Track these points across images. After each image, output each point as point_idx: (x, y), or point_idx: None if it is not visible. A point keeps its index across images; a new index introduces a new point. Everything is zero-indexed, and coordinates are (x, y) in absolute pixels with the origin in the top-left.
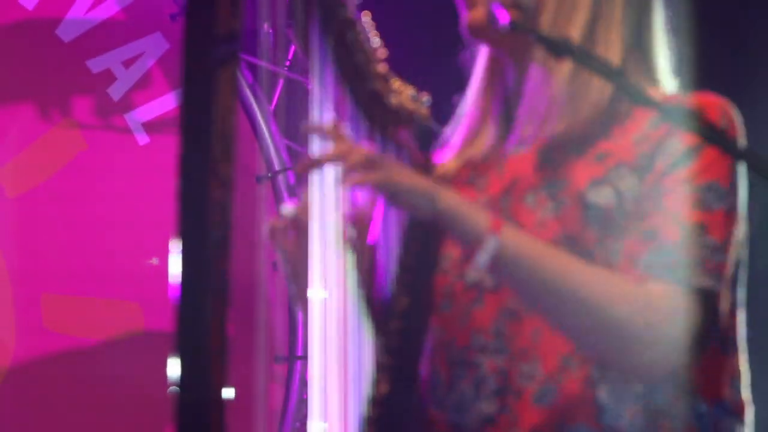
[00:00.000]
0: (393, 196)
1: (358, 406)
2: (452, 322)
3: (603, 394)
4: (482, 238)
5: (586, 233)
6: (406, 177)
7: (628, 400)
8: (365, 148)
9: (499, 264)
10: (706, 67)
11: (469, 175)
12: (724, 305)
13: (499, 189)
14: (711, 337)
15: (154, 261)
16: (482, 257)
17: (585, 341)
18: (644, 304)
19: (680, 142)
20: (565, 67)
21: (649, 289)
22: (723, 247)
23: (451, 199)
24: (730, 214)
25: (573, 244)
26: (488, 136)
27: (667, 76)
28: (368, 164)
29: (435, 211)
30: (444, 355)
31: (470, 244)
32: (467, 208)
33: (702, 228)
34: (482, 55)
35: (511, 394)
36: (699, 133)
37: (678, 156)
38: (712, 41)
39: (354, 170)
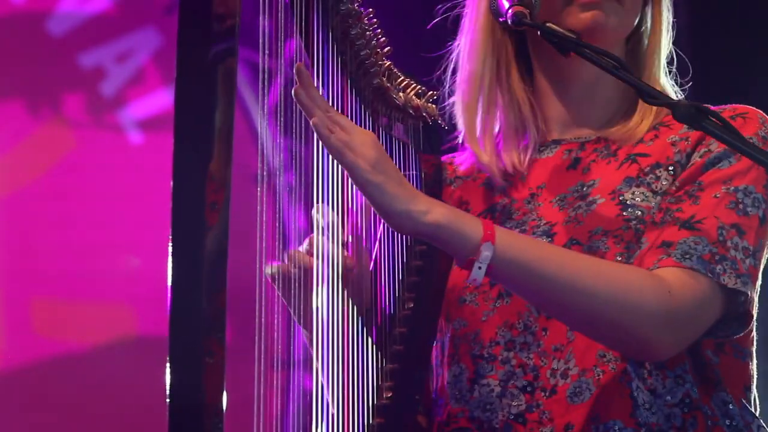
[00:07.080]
0: (376, 201)
1: (361, 414)
2: (476, 315)
3: (638, 389)
4: (476, 248)
5: (625, 230)
6: (397, 182)
7: (663, 395)
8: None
9: (497, 272)
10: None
11: (485, 178)
12: (751, 311)
13: (524, 192)
14: (729, 340)
15: (135, 262)
16: (478, 270)
17: (600, 333)
18: (660, 289)
19: (718, 143)
20: (591, 70)
21: (669, 274)
22: (755, 253)
23: (441, 211)
24: (764, 222)
25: (610, 239)
26: (524, 141)
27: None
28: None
29: (422, 225)
30: (467, 348)
31: (464, 257)
32: (457, 218)
33: (738, 230)
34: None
35: (542, 391)
36: (734, 142)
37: (717, 154)
38: (713, 42)
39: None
